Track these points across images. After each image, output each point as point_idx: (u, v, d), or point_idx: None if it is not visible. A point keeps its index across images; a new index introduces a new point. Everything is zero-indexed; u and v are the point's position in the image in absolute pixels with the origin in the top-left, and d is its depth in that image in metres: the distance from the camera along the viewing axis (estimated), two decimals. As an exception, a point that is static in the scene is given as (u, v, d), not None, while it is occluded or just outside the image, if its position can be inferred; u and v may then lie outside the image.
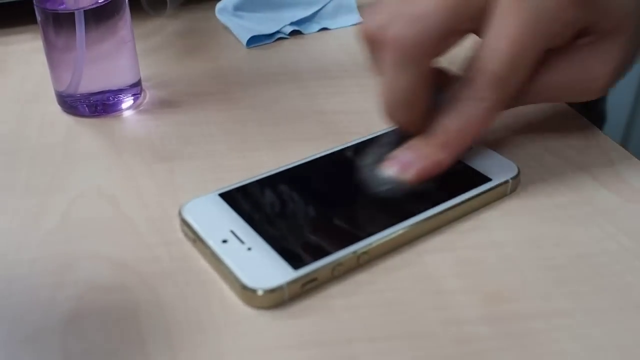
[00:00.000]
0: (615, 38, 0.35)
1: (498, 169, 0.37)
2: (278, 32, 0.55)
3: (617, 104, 1.18)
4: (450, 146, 0.35)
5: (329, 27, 0.56)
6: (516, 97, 0.35)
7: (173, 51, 0.54)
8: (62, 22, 0.41)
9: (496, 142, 0.40)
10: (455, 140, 0.35)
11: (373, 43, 0.35)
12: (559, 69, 0.36)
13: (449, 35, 0.34)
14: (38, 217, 0.35)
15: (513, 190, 0.37)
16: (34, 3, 0.41)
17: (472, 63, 0.34)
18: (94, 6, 0.41)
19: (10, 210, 0.36)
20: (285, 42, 0.55)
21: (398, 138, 0.36)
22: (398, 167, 0.35)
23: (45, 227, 0.34)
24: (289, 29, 0.55)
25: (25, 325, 0.29)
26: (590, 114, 0.95)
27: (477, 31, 0.34)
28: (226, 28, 0.56)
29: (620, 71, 0.36)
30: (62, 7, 0.41)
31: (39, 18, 0.42)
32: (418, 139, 0.36)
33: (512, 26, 0.32)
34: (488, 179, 0.36)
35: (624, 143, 1.40)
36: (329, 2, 0.57)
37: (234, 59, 0.52)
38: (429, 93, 0.35)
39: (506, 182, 0.36)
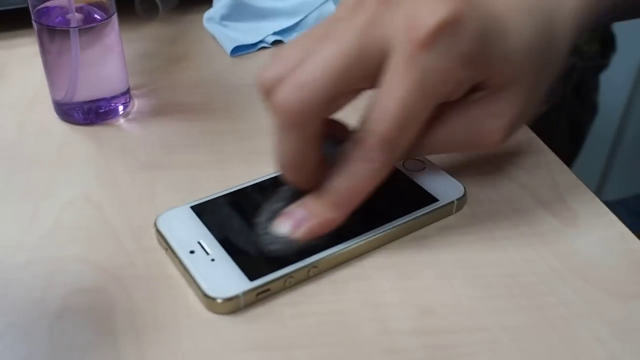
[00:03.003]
0: (509, 93, 0.36)
1: (446, 189, 0.41)
2: (261, 41, 0.58)
3: (612, 96, 1.21)
4: (341, 205, 0.35)
5: (310, 37, 0.60)
6: (411, 150, 0.36)
7: (161, 59, 0.57)
8: (56, 33, 0.45)
9: (450, 161, 0.44)
10: (345, 200, 0.35)
11: (266, 94, 0.34)
12: (453, 123, 0.36)
13: (338, 98, 0.34)
14: (32, 221, 0.40)
15: (459, 209, 0.41)
16: (32, 18, 0.45)
17: (362, 123, 0.34)
18: (89, 26, 0.45)
19: (9, 213, 0.40)
20: (268, 51, 0.59)
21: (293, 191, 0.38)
22: (290, 225, 0.36)
23: (38, 232, 0.39)
24: (272, 39, 0.59)
25: (20, 321, 0.33)
26: (582, 105, 0.99)
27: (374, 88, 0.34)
28: (213, 36, 0.60)
29: (516, 124, 0.37)
30: (57, 20, 0.45)
31: (36, 30, 0.46)
32: (311, 196, 0.36)
33: (400, 88, 0.32)
34: (435, 200, 0.40)
35: (619, 136, 1.43)
36: (311, 12, 0.61)
37: (218, 68, 0.56)
38: (317, 153, 0.35)
39: (451, 202, 0.40)
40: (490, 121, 0.36)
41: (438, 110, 0.36)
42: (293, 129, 0.34)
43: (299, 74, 0.33)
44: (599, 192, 1.36)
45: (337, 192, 0.35)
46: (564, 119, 0.94)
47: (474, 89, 0.36)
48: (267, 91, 0.34)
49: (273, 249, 0.36)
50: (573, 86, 0.91)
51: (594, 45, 0.92)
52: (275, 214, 0.37)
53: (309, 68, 0.33)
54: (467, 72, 0.34)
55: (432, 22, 0.31)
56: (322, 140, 0.35)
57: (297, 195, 0.37)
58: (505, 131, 0.36)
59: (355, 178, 0.35)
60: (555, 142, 0.95)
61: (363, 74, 0.33)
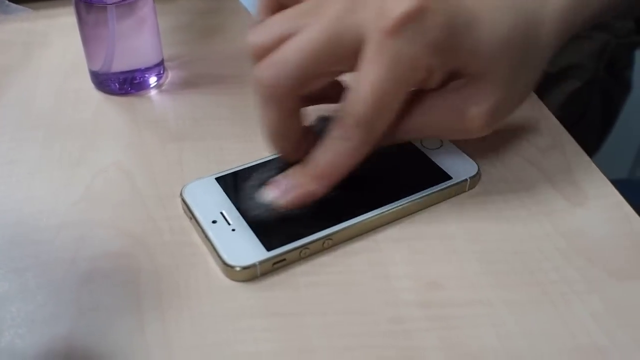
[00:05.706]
0: (485, 82, 0.37)
1: (460, 167, 0.42)
2: (293, 15, 0.60)
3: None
4: (322, 179, 0.37)
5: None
6: (393, 133, 0.38)
7: (195, 31, 0.59)
8: (93, 8, 0.47)
9: (467, 140, 0.45)
10: (325, 174, 0.37)
11: (255, 59, 0.37)
12: (434, 108, 0.38)
13: (313, 78, 0.37)
14: (66, 187, 0.42)
15: (472, 187, 0.42)
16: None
17: (343, 103, 0.36)
18: (125, 2, 0.47)
19: (44, 179, 0.43)
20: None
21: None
22: (276, 193, 0.38)
23: (71, 197, 0.42)
24: (304, 13, 0.60)
25: (50, 282, 0.36)
26: (615, 81, 0.99)
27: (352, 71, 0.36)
28: (246, 9, 0.62)
29: (497, 113, 0.38)
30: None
31: (74, 4, 0.48)
32: (295, 168, 0.39)
33: (372, 73, 0.34)
34: (449, 177, 0.42)
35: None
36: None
37: (250, 41, 0.58)
38: (296, 126, 0.39)
39: (464, 181, 0.42)
40: (470, 107, 0.37)
41: (420, 95, 0.38)
42: (271, 102, 0.37)
43: (277, 53, 0.36)
44: (633, 170, 1.35)
45: (317, 166, 0.38)
46: (597, 94, 0.94)
47: (453, 77, 0.38)
48: (256, 57, 0.37)
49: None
50: (606, 62, 0.91)
51: (629, 22, 0.91)
52: (264, 182, 0.40)
53: (286, 48, 0.35)
54: (436, 59, 0.35)
55: (399, 11, 0.33)
56: (318, 117, 0.40)
57: (288, 166, 0.40)
58: (486, 119, 0.38)
59: (333, 154, 0.37)
60: (588, 118, 0.95)
61: (337, 58, 0.36)
